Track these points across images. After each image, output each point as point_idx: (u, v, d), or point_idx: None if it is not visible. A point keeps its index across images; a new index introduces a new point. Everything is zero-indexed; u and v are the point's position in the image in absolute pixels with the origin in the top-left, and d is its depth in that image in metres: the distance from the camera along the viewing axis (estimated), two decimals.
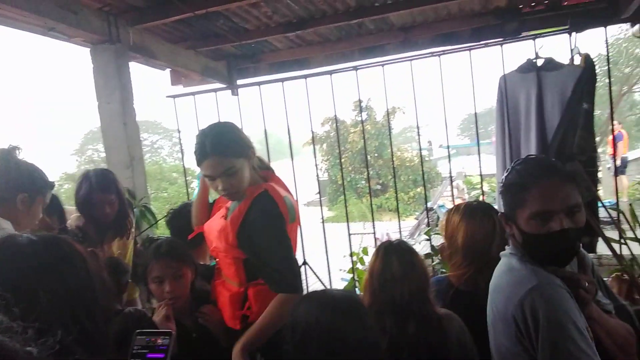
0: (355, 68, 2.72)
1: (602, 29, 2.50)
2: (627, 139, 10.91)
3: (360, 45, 3.88)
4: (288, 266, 1.65)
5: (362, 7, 3.20)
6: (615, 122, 8.71)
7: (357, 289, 2.90)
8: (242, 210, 1.67)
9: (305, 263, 3.01)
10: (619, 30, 16.13)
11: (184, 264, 1.79)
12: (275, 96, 3.04)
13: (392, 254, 1.61)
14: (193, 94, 3.13)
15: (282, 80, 2.90)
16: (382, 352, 1.22)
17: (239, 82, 4.25)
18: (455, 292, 1.78)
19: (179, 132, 3.50)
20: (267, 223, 1.65)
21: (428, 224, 3.60)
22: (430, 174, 21.70)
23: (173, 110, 3.28)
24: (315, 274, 3.08)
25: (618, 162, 9.24)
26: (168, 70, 4.11)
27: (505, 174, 1.26)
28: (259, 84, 2.98)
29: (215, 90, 3.22)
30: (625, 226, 2.60)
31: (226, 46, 3.82)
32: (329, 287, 3.07)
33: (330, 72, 2.80)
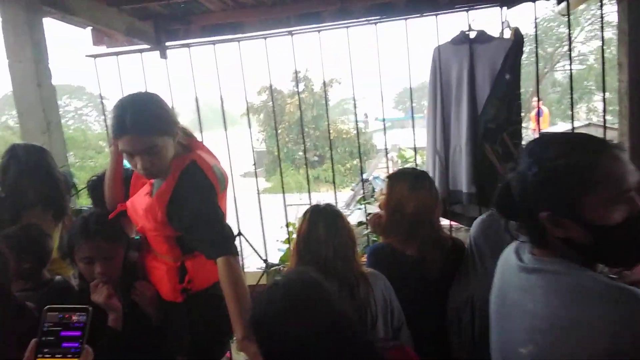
0: (291, 33, 2.64)
1: (531, 5, 2.57)
2: (547, 115, 11.70)
3: (296, 11, 3.78)
4: (223, 231, 1.57)
5: None
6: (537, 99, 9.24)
7: None
8: (169, 185, 1.56)
9: (240, 234, 2.95)
10: (545, 11, 16.96)
11: (116, 243, 1.68)
12: (207, 62, 2.90)
13: (318, 216, 1.69)
14: (116, 54, 2.92)
15: (214, 42, 2.77)
16: (354, 322, 1.18)
17: (168, 44, 4.02)
18: (405, 258, 1.85)
19: (101, 97, 3.27)
20: (199, 196, 1.55)
21: (363, 195, 3.65)
22: (366, 147, 22.10)
23: (96, 72, 3.05)
24: (250, 244, 3.04)
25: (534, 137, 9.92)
26: (90, 29, 3.80)
27: (540, 163, 0.94)
28: (188, 45, 2.82)
29: (140, 51, 3.01)
30: None
31: (153, 5, 3.56)
32: (264, 257, 3.05)
33: (265, 36, 2.70)
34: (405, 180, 1.89)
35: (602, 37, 2.87)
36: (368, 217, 2.19)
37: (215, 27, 4.05)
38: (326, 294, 1.15)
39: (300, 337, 1.06)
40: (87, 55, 3.00)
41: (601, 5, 2.51)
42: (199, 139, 1.81)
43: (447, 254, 1.89)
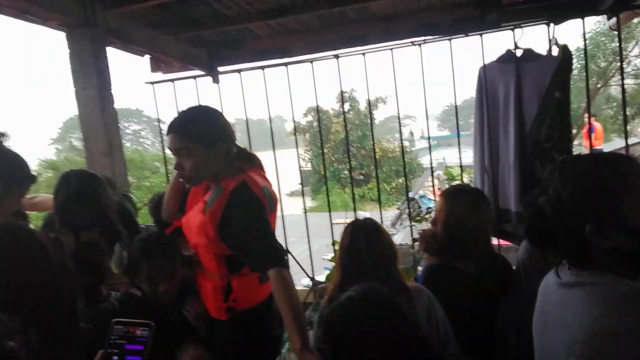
0: (337, 56, 2.72)
1: (580, 20, 2.53)
2: (601, 131, 11.22)
3: (341, 34, 3.87)
4: (273, 245, 1.61)
5: None
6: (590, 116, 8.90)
7: None
8: (220, 203, 1.62)
9: (287, 252, 3.01)
10: (597, 25, 16.38)
11: (176, 261, 1.76)
12: (257, 84, 3.02)
13: (359, 229, 1.74)
14: (172, 80, 3.10)
15: (263, 67, 2.89)
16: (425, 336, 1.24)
17: (220, 69, 4.21)
18: (464, 275, 1.85)
19: (159, 119, 3.46)
20: (249, 212, 1.61)
21: (409, 214, 3.64)
22: (412, 165, 21.89)
23: (154, 98, 3.24)
24: (297, 262, 3.10)
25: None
26: (147, 56, 4.05)
27: (574, 179, 0.97)
28: (239, 70, 2.96)
29: (195, 77, 3.18)
30: None
31: (207, 33, 3.77)
32: (311, 274, 3.10)
33: (312, 60, 2.79)
34: (467, 197, 1.88)
35: None
36: (420, 233, 2.18)
37: (264, 52, 4.22)
38: (399, 307, 1.21)
39: (380, 348, 1.12)
40: (146, 82, 3.20)
41: None
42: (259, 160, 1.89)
43: (498, 273, 1.87)
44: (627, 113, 2.98)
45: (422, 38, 2.98)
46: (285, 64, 2.84)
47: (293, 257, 3.05)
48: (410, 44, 2.65)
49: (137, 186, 15.93)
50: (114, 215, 2.28)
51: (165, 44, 3.69)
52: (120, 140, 3.21)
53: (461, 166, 3.29)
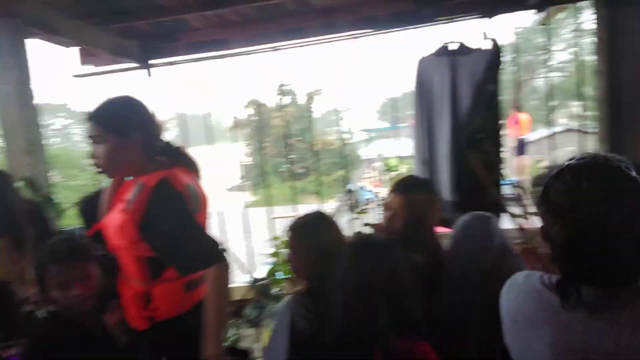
0: (275, 48, 2.67)
1: (511, 17, 2.65)
2: (527, 121, 11.85)
3: (280, 27, 3.81)
4: (205, 241, 1.56)
5: None
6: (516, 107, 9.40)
7: (279, 273, 2.90)
8: (141, 200, 1.54)
9: (224, 250, 2.94)
10: (525, 21, 17.30)
11: (90, 263, 1.65)
12: (194, 78, 2.91)
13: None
14: (101, 73, 2.92)
15: (199, 60, 2.78)
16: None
17: (153, 62, 4.03)
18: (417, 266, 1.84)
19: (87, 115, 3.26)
20: (172, 210, 1.54)
21: (349, 205, 3.68)
22: (352, 157, 22.18)
23: (85, 92, 3.06)
24: (236, 259, 3.03)
25: (513, 144, 10.20)
26: (76, 49, 3.80)
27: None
28: (173, 63, 2.84)
29: (125, 70, 3.02)
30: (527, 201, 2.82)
31: (139, 24, 3.58)
32: (250, 272, 3.05)
33: (250, 52, 2.73)
34: (424, 192, 1.90)
35: (579, 44, 2.95)
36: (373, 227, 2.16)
37: (200, 44, 4.08)
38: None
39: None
40: (74, 76, 3.00)
41: (577, 17, 2.60)
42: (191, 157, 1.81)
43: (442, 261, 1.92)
44: (551, 104, 3.14)
45: (361, 31, 2.99)
46: (223, 56, 2.76)
47: (232, 254, 2.98)
48: (349, 36, 2.65)
49: (65, 185, 15.06)
50: (24, 219, 2.12)
51: (94, 36, 3.47)
52: (42, 138, 2.99)
53: (399, 157, 3.35)
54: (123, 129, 1.58)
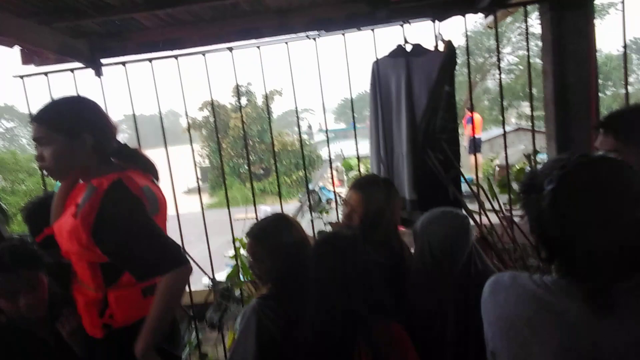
0: (230, 49, 2.63)
1: (462, 18, 2.71)
2: (480, 121, 12.29)
3: (235, 27, 3.76)
4: (163, 244, 1.50)
5: None
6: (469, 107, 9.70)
7: (240, 275, 2.86)
8: (93, 204, 1.47)
9: (185, 253, 2.86)
10: (475, 25, 17.89)
11: (38, 271, 1.58)
12: (147, 78, 2.82)
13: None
14: (45, 73, 2.79)
15: (151, 59, 2.70)
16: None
17: (103, 61, 3.88)
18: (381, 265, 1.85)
19: (31, 116, 3.10)
20: (127, 213, 1.48)
21: (310, 205, 3.67)
22: (311, 157, 22.24)
23: (29, 93, 2.90)
24: (195, 262, 2.97)
25: (465, 143, 10.57)
26: (18, 48, 3.61)
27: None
28: (124, 62, 2.74)
29: (72, 70, 2.89)
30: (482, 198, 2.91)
31: (87, 23, 3.44)
32: (210, 275, 2.99)
33: (204, 52, 2.67)
34: (381, 188, 1.91)
35: (528, 47, 3.07)
36: (332, 226, 2.18)
37: (152, 44, 3.96)
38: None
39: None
40: (14, 76, 2.85)
41: (525, 20, 2.69)
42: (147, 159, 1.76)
43: (404, 258, 1.95)
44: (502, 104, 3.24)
45: (317, 32, 2.99)
46: (175, 56, 2.69)
47: (191, 257, 2.90)
48: (306, 37, 2.64)
49: (12, 190, 14.34)
50: None
51: (38, 35, 3.30)
52: None
53: (358, 157, 3.37)
54: (71, 130, 1.52)
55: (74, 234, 1.50)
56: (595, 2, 2.41)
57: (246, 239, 1.71)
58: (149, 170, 1.73)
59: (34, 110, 1.58)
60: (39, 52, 3.66)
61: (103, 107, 1.65)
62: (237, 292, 2.97)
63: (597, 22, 2.44)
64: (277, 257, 1.62)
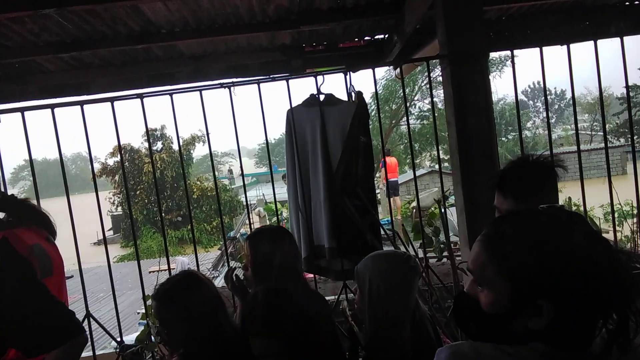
0: (141, 96, 2.52)
1: (371, 70, 2.82)
2: (396, 164, 12.84)
3: (147, 72, 3.66)
4: (53, 313, 1.35)
5: (148, 33, 3.02)
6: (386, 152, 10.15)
7: (152, 337, 2.64)
8: None
9: (89, 315, 2.59)
10: (389, 73, 19.01)
11: None
12: (51, 122, 2.60)
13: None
14: None
15: (52, 106, 2.51)
16: None
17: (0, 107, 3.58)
18: None
19: None
20: (9, 279, 1.32)
21: (230, 254, 3.54)
22: (232, 203, 21.84)
23: None
24: (101, 325, 2.71)
25: (382, 186, 11.04)
26: None
27: None
28: (22, 109, 2.53)
29: None
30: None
31: None
32: (118, 338, 2.73)
33: (112, 99, 2.53)
34: (267, 235, 1.94)
35: (432, 99, 3.29)
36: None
37: (56, 88, 3.73)
38: None
39: None
40: None
41: (429, 74, 2.87)
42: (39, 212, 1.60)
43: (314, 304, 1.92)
44: (415, 147, 3.39)
45: (231, 80, 2.98)
46: (80, 103, 2.52)
47: (96, 321, 2.65)
48: (219, 85, 2.61)
49: None
50: None
51: None
52: None
53: (275, 201, 3.31)
54: None
55: None
56: (493, 55, 2.64)
57: (153, 303, 1.56)
58: (42, 225, 1.57)
59: None
60: None
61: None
62: (148, 356, 2.73)
63: (498, 73, 2.65)
64: (186, 320, 1.48)
